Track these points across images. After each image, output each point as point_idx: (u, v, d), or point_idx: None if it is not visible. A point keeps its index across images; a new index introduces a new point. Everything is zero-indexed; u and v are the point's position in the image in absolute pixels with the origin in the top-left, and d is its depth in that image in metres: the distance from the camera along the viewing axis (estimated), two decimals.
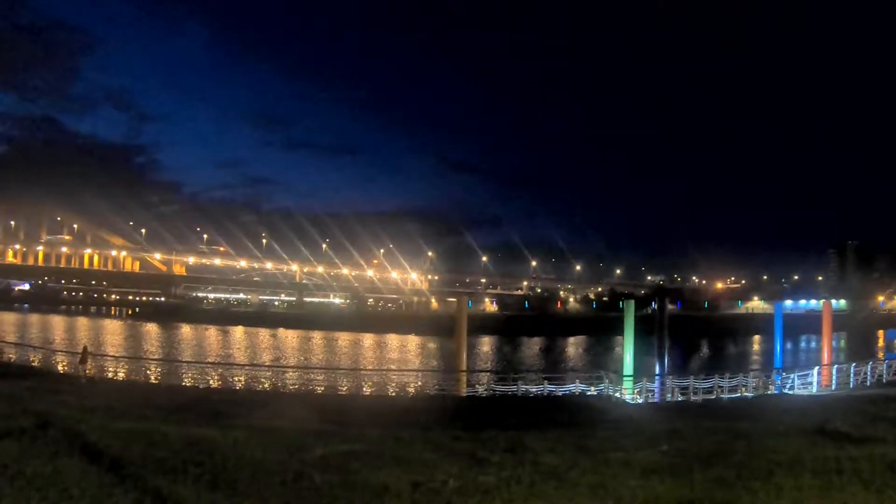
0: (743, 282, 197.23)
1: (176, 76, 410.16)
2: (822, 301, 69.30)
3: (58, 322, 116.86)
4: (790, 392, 33.41)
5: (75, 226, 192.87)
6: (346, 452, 9.95)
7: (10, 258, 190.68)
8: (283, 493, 7.46)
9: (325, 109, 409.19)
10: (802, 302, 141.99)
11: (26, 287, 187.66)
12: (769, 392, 33.67)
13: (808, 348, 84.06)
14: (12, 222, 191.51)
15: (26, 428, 10.57)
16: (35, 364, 43.29)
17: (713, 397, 31.63)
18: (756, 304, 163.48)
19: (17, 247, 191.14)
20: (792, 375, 35.72)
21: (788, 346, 66.98)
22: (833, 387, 34.67)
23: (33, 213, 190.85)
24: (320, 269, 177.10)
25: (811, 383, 34.94)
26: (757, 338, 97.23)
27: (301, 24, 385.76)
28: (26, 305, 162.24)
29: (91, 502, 6.60)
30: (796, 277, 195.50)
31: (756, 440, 12.00)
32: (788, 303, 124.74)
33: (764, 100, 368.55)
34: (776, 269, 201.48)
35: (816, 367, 37.04)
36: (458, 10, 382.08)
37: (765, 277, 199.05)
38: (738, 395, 32.76)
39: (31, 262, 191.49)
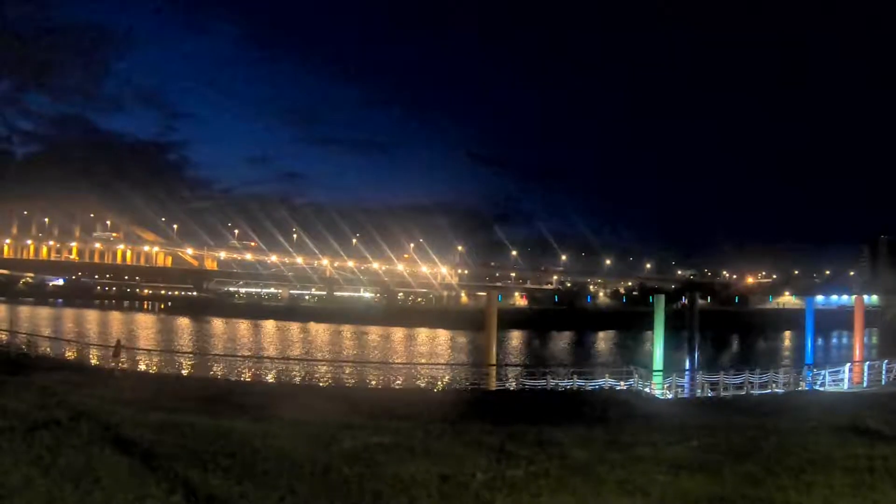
0: (774, 277, 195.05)
1: (206, 74, 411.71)
2: (853, 296, 68.48)
3: (91, 316, 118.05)
4: (821, 388, 33.18)
5: (108, 222, 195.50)
6: (374, 445, 10.00)
7: (44, 254, 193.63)
8: (311, 484, 7.52)
9: (354, 105, 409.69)
10: (834, 297, 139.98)
11: (60, 282, 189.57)
12: (800, 388, 33.44)
13: (839, 344, 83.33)
14: (46, 219, 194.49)
15: (60, 420, 10.72)
16: (69, 357, 43.84)
17: (743, 393, 31.45)
18: (787, 300, 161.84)
19: (52, 243, 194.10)
20: (823, 372, 35.48)
21: (820, 341, 66.39)
22: (865, 384, 34.40)
23: (67, 211, 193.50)
24: (350, 263, 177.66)
25: (842, 380, 34.68)
26: (788, 333, 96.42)
27: (329, 21, 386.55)
28: (60, 300, 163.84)
29: (122, 493, 6.69)
30: (828, 272, 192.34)
31: (786, 437, 11.91)
32: (820, 298, 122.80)
33: (795, 96, 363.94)
34: (807, 264, 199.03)
35: (848, 364, 36.74)
36: (485, 7, 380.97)
37: (796, 272, 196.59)
38: (769, 391, 32.58)
39: (64, 257, 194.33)
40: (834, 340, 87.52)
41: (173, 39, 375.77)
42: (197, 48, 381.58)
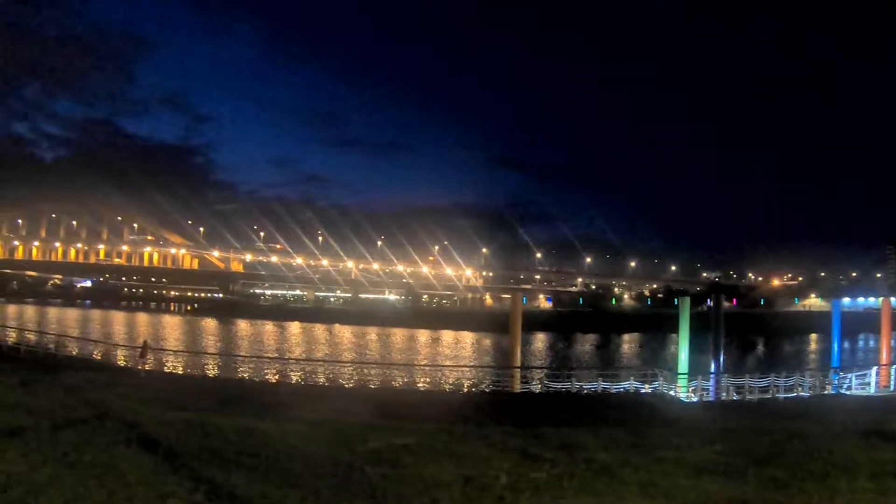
0: (800, 279, 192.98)
1: (229, 78, 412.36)
2: (880, 299, 67.89)
3: (118, 317, 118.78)
4: (847, 392, 32.87)
5: (135, 225, 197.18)
6: (398, 446, 10.02)
7: (72, 257, 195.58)
8: (334, 485, 7.54)
9: (377, 107, 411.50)
10: (861, 299, 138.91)
11: (88, 284, 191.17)
12: (826, 392, 33.17)
13: (866, 347, 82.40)
14: (74, 222, 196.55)
15: (86, 418, 10.84)
16: (96, 357, 44.27)
17: (769, 396, 31.23)
18: (813, 302, 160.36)
19: (80, 245, 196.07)
20: (849, 375, 35.09)
21: (846, 344, 65.76)
22: (892, 387, 34.05)
23: (94, 214, 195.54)
24: (375, 265, 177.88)
25: (869, 383, 34.29)
26: (814, 336, 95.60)
27: (351, 25, 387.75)
28: (88, 302, 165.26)
29: (146, 490, 6.75)
30: (854, 274, 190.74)
31: (812, 441, 11.82)
32: (846, 300, 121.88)
33: (821, 97, 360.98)
34: (833, 265, 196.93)
35: (875, 367, 36.31)
36: (506, 9, 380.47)
37: (822, 274, 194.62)
38: (795, 394, 32.31)
39: (92, 259, 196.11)
40: (861, 343, 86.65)
41: (198, 44, 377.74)
42: (222, 52, 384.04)
